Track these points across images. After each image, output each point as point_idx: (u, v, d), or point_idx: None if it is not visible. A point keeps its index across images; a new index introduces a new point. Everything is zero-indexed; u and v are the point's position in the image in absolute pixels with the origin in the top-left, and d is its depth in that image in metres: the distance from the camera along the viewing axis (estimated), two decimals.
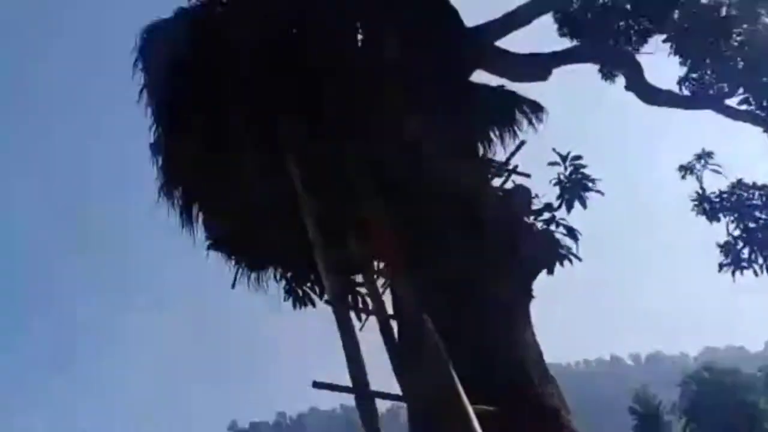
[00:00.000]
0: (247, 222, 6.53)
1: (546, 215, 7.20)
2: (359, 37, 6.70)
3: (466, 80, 6.71)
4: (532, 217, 6.74)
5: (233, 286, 6.74)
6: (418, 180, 5.39)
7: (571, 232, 6.94)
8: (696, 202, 11.16)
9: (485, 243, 5.04)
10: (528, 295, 5.18)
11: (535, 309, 6.76)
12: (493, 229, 5.09)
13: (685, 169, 11.12)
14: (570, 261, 7.16)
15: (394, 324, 4.63)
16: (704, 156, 11.02)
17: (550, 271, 5.56)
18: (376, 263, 5.70)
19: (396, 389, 4.23)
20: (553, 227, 6.95)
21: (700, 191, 11.12)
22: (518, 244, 5.06)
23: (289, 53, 5.91)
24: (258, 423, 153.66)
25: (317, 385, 3.98)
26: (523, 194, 6.40)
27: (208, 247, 6.72)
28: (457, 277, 4.83)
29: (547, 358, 5.22)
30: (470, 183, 4.94)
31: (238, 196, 6.64)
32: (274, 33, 6.00)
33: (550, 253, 5.07)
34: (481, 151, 7.91)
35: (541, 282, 5.52)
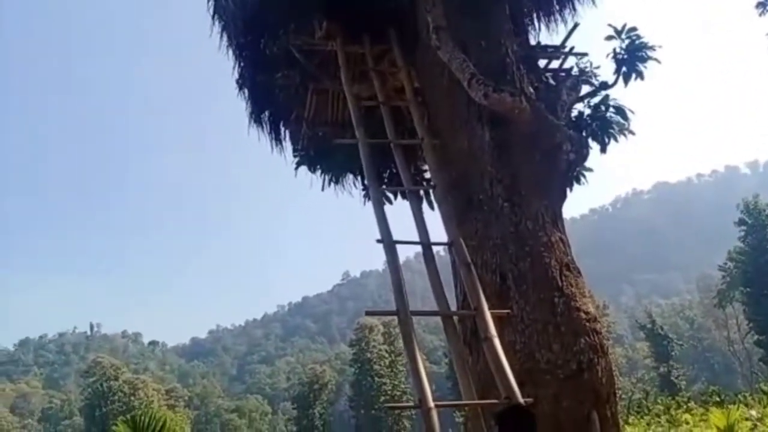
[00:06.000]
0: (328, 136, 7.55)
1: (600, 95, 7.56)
2: None
3: None
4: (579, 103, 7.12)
5: (322, 189, 7.98)
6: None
7: (621, 112, 7.31)
8: None
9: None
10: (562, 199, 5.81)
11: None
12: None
13: (763, 5, 10.60)
14: (625, 136, 7.61)
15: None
16: None
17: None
18: None
19: None
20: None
21: None
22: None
23: None
24: (369, 271, 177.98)
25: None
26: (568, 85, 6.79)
27: (297, 164, 7.85)
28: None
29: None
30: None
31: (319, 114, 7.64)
32: None
33: (579, 153, 5.58)
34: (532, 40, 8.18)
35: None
